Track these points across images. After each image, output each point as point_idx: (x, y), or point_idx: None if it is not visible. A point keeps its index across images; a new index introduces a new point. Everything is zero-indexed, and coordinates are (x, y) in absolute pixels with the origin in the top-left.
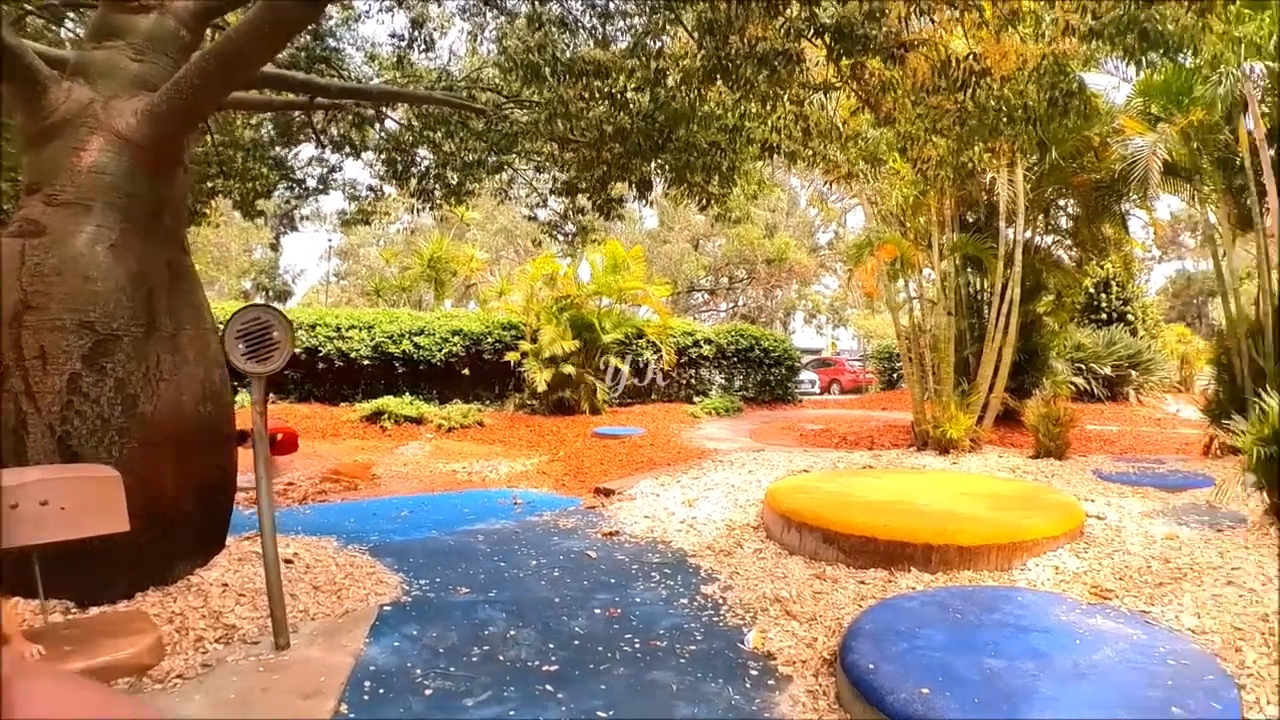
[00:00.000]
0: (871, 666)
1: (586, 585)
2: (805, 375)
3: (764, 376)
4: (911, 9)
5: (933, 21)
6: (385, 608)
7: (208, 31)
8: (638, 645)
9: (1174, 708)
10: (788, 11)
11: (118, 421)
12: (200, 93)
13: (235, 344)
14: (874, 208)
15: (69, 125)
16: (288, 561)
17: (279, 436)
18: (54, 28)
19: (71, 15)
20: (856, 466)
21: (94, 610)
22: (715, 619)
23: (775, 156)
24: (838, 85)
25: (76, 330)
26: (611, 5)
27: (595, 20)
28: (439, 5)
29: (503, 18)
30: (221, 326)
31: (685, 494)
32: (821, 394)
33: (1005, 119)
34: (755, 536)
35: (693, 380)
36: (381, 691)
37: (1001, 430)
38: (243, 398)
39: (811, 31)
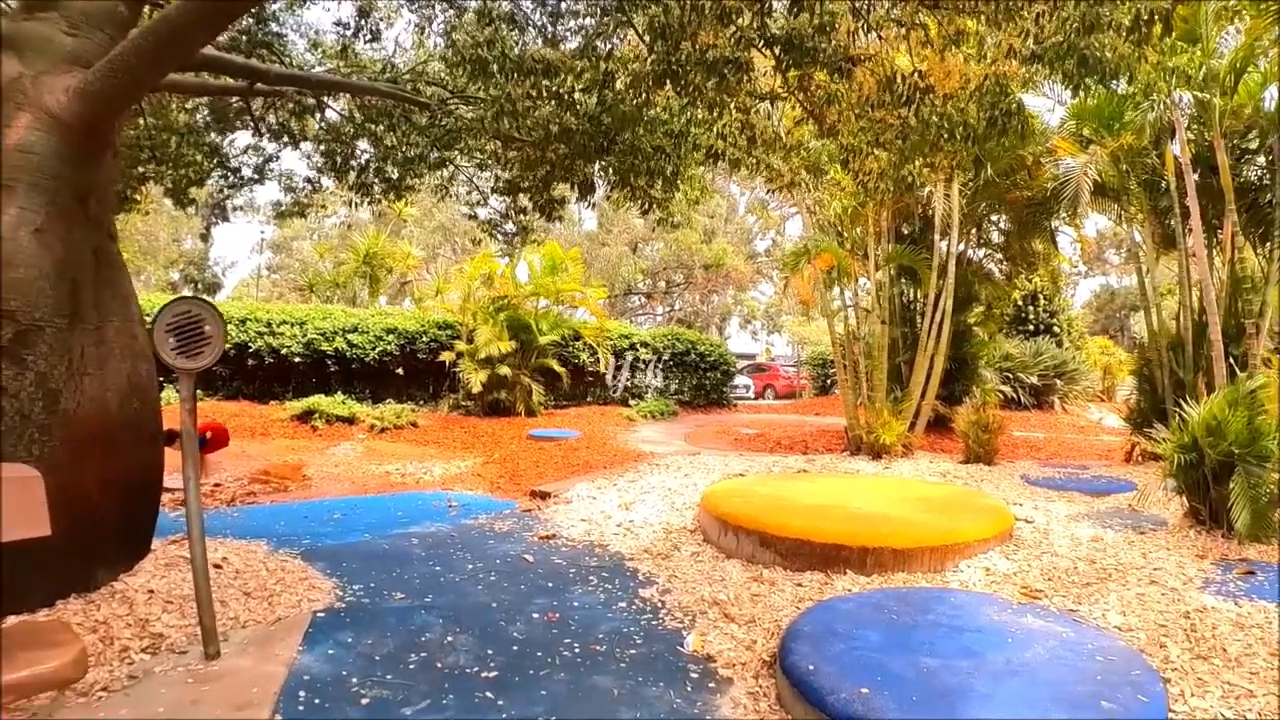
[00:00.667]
0: (811, 667)
1: (524, 589)
2: (740, 380)
3: (700, 380)
4: (860, 25)
5: (880, 38)
6: (319, 614)
7: (145, 9)
8: (577, 650)
9: (1104, 702)
10: (739, 20)
11: (38, 418)
12: (136, 72)
13: (165, 338)
14: (813, 217)
15: None
16: (216, 566)
17: (208, 435)
18: None
19: None
20: (791, 470)
21: (10, 620)
22: (654, 622)
23: (719, 163)
24: (784, 95)
25: None
26: (563, 5)
27: (545, 19)
28: None
29: (450, 11)
30: (150, 319)
31: (622, 497)
32: (756, 399)
33: (946, 135)
34: (692, 540)
35: (628, 383)
36: (317, 701)
37: (932, 436)
38: (169, 394)
39: (762, 42)
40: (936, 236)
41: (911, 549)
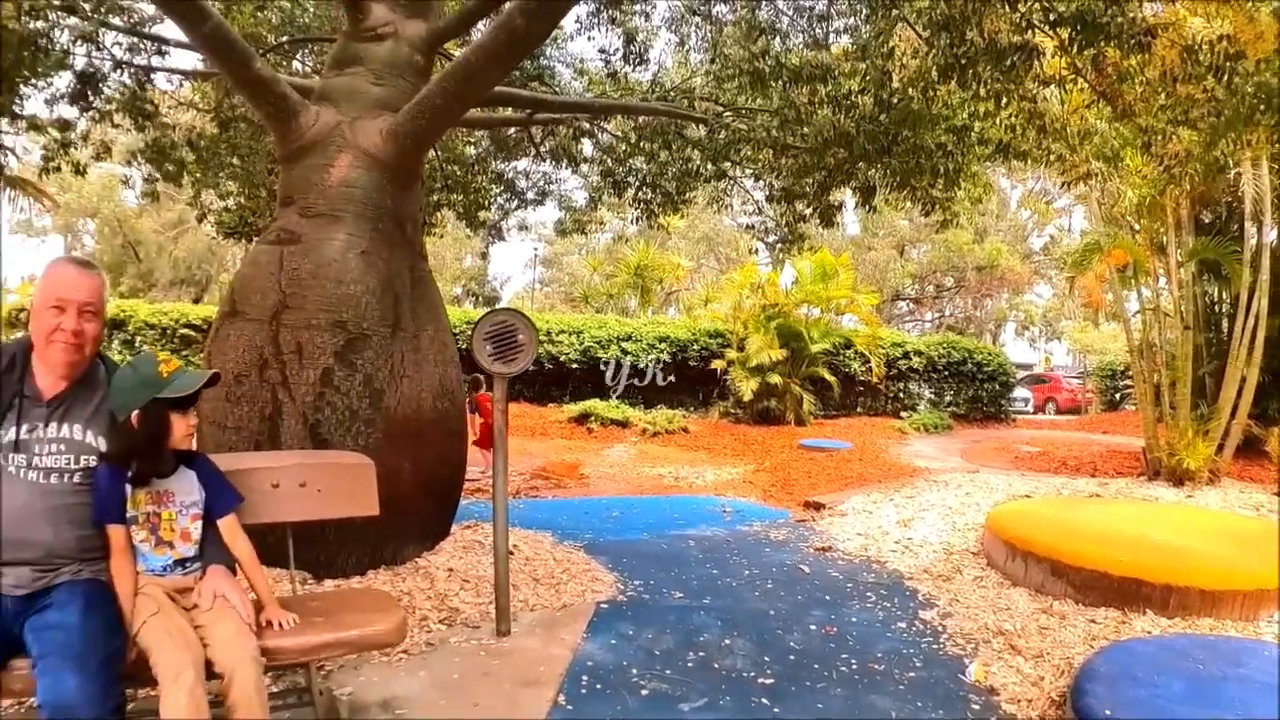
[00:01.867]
0: (1107, 712)
1: (800, 600)
2: (1019, 393)
3: (976, 392)
4: None
5: (1173, 1)
6: (602, 605)
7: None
8: (855, 666)
9: None
10: (1024, 5)
11: (364, 413)
12: (441, 111)
13: (483, 345)
14: (1100, 208)
15: (319, 145)
16: (509, 553)
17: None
18: (283, 65)
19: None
20: (1081, 495)
21: (328, 583)
22: (934, 647)
23: (1007, 158)
24: (1072, 78)
25: (330, 329)
26: (833, 9)
27: (809, 23)
28: (646, 20)
29: (710, 26)
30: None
31: (899, 513)
32: (1035, 413)
33: (1263, 107)
34: (975, 563)
35: (900, 394)
36: (598, 687)
37: (1242, 462)
38: None
39: (1049, 24)
40: (1246, 224)
41: (1221, 591)
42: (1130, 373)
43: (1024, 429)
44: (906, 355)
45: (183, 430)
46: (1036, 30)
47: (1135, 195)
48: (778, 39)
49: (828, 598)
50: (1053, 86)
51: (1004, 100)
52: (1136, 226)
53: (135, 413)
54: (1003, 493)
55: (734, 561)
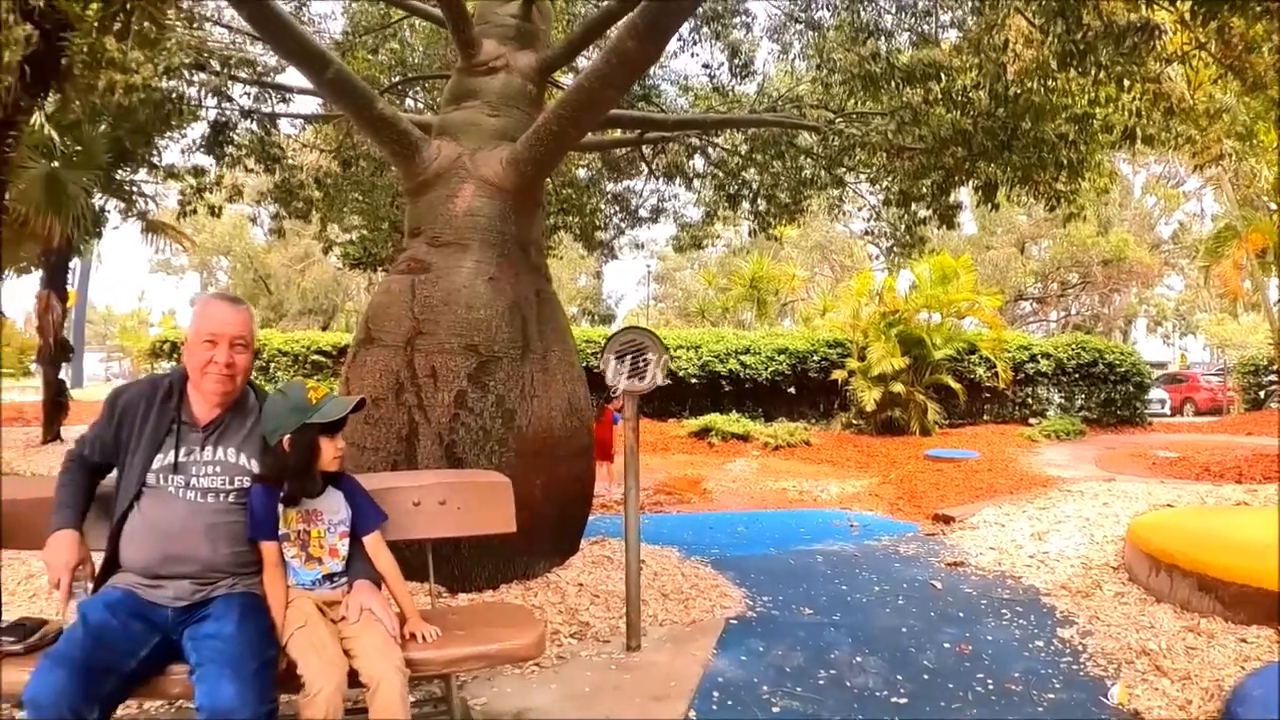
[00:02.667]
0: None
1: (933, 617)
2: (1154, 394)
3: (1108, 395)
4: None
5: None
6: (731, 621)
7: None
8: (990, 686)
9: None
10: None
11: (497, 433)
12: (558, 137)
13: (612, 362)
14: (1234, 190)
15: (443, 177)
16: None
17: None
18: (398, 103)
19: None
20: (1228, 503)
21: (462, 597)
22: (1074, 667)
23: (1135, 144)
24: (1197, 53)
25: (462, 352)
26: (938, 4)
27: (915, 20)
28: (748, 31)
29: (812, 32)
30: (583, 347)
31: (1033, 526)
32: (1173, 415)
33: None
34: (1115, 578)
35: (1028, 399)
36: (730, 703)
37: None
38: None
39: None
40: None
41: None
42: (1275, 367)
43: (1161, 433)
44: (1033, 358)
45: (331, 453)
46: (1155, 6)
47: (1272, 173)
48: (884, 39)
49: (961, 614)
50: (1176, 64)
51: (1126, 83)
52: (1275, 206)
53: (286, 437)
54: (1143, 502)
55: (863, 577)
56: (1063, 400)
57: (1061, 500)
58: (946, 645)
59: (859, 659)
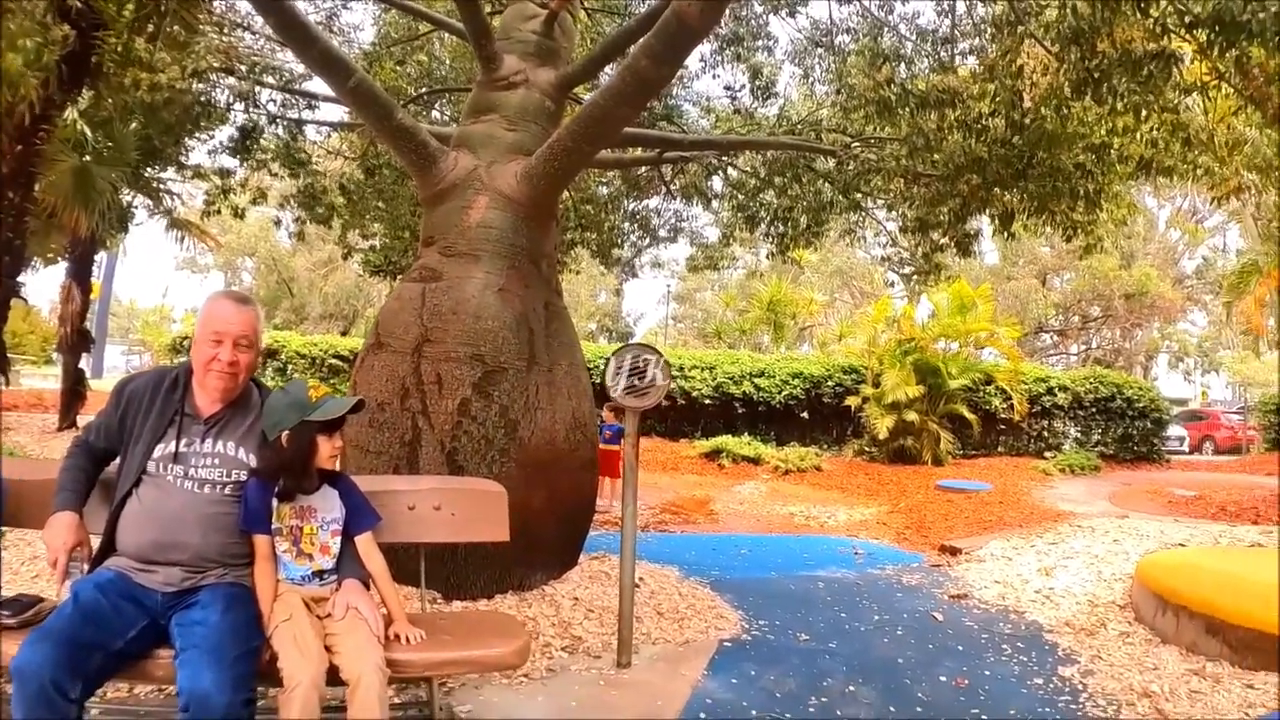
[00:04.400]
0: None
1: (932, 649)
2: (1173, 430)
3: (1125, 430)
4: None
5: None
6: (725, 642)
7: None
8: None
9: None
10: (1155, 8)
11: (499, 443)
12: (572, 154)
13: (616, 379)
14: (1256, 225)
15: (458, 188)
16: (634, 585)
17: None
18: (423, 114)
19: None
20: (1242, 544)
21: (456, 604)
22: (1073, 706)
23: (1150, 175)
24: (1216, 83)
25: (469, 361)
26: (956, 31)
27: (933, 47)
28: (769, 54)
29: (833, 57)
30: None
31: (1041, 561)
32: (1191, 453)
33: None
34: (1121, 617)
35: (1044, 432)
36: None
37: None
38: None
39: (1185, 27)
40: None
41: None
42: None
43: (1179, 470)
44: (1051, 391)
45: (328, 451)
46: (1173, 35)
47: None
48: (902, 65)
49: (960, 648)
50: (1195, 94)
51: (1144, 113)
52: None
53: (285, 433)
54: (1155, 540)
55: (863, 605)
56: (1079, 434)
57: (1071, 535)
58: (943, 678)
59: (852, 688)
